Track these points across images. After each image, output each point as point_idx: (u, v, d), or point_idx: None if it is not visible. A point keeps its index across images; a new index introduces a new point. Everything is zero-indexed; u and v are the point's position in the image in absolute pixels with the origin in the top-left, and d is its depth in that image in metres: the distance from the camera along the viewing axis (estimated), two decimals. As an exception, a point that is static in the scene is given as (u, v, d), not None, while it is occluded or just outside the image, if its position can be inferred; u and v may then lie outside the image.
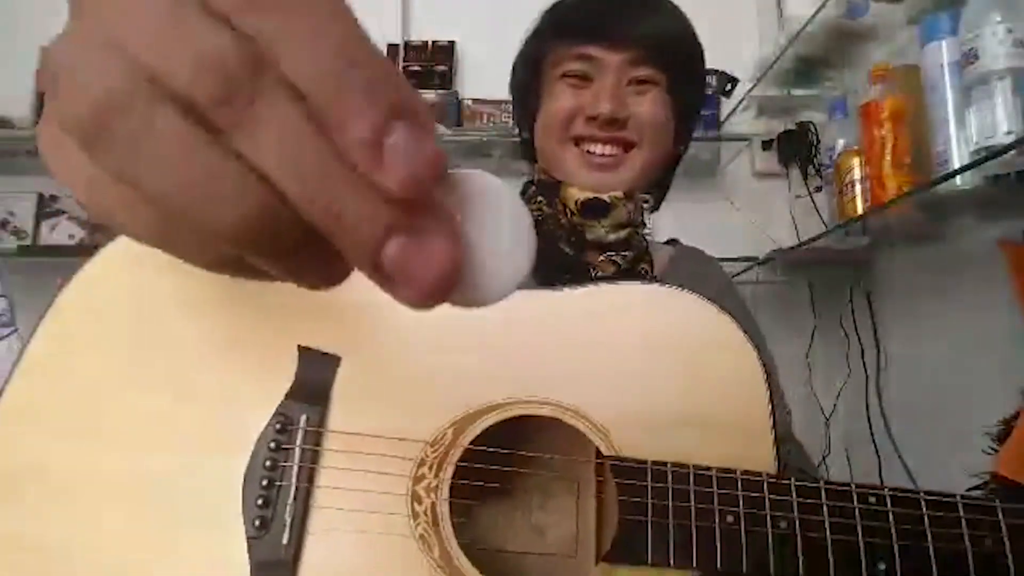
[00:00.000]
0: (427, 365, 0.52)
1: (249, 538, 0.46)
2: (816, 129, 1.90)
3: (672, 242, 0.92)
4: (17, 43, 2.10)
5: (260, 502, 0.47)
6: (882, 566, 0.45)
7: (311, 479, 0.49)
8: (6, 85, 2.03)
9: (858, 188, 1.43)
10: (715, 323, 0.53)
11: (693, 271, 0.86)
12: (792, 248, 1.78)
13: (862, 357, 1.73)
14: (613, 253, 0.77)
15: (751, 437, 0.49)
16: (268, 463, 0.48)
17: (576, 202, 0.76)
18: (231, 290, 0.51)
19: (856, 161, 1.43)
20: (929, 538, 0.46)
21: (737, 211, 2.01)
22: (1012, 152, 0.99)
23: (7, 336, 1.29)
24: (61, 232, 2.00)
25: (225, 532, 0.46)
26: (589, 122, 0.76)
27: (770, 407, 0.50)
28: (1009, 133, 0.99)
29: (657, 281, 0.75)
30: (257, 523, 0.47)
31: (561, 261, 0.77)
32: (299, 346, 0.50)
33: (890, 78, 1.32)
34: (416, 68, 2.07)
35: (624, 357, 0.52)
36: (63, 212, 2.02)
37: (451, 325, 0.52)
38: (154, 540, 0.46)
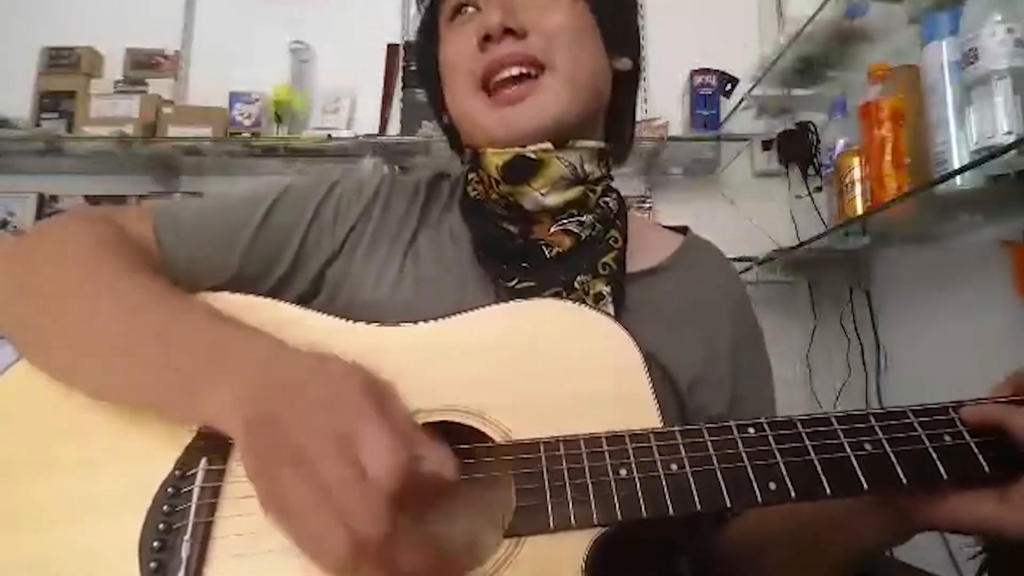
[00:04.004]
0: None
1: None
2: (816, 129, 1.90)
3: (683, 230, 0.79)
4: (17, 43, 2.10)
5: (157, 545, 0.47)
6: (773, 485, 0.47)
7: (211, 514, 0.49)
8: (6, 85, 2.03)
9: (858, 188, 1.43)
10: (590, 320, 0.56)
11: (707, 273, 0.75)
12: (792, 248, 1.78)
13: (862, 357, 1.73)
14: (565, 220, 0.65)
15: (637, 412, 0.52)
16: (166, 508, 0.49)
17: (496, 167, 0.64)
18: None
19: (856, 161, 1.43)
20: (812, 452, 0.48)
21: (737, 211, 2.00)
22: (1012, 152, 0.99)
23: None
24: (61, 232, 2.00)
25: None
26: (483, 49, 0.64)
27: (651, 384, 0.53)
28: (1009, 133, 0.99)
29: (618, 249, 0.67)
30: (153, 566, 0.47)
31: (510, 246, 0.66)
32: None
33: (890, 78, 1.32)
34: (415, 68, 2.06)
35: (513, 362, 0.55)
36: (63, 212, 2.02)
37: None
38: None
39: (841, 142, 1.50)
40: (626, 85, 0.73)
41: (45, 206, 2.03)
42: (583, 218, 0.66)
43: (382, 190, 0.71)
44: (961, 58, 1.06)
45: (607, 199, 0.69)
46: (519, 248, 0.66)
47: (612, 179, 0.72)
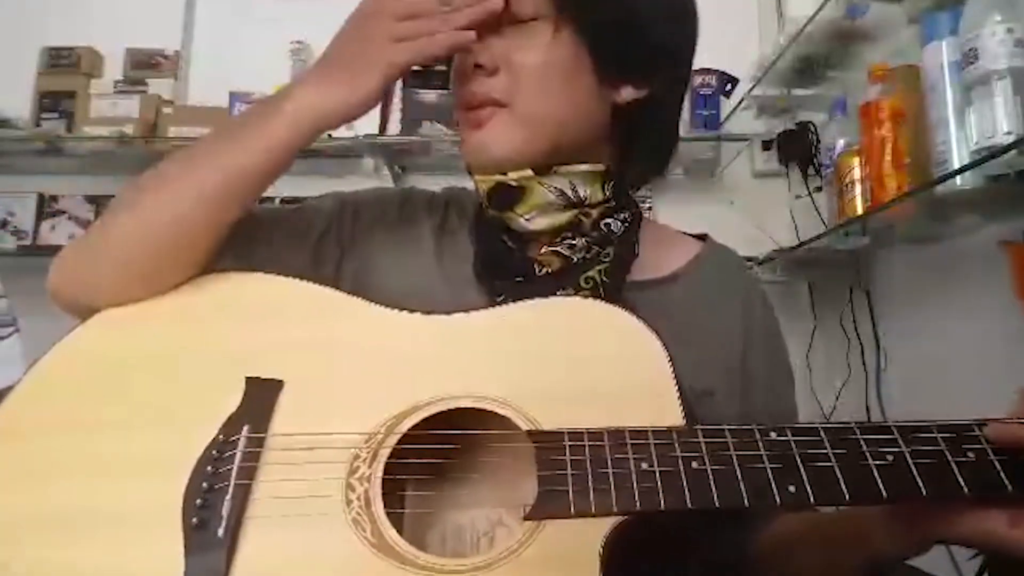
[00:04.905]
0: (363, 382, 0.57)
1: (185, 536, 0.49)
2: (816, 129, 1.90)
3: (702, 237, 0.78)
4: (17, 43, 2.10)
5: (199, 504, 0.50)
6: (792, 488, 0.47)
7: (251, 477, 0.52)
8: (6, 85, 2.03)
9: (858, 188, 1.43)
10: (614, 316, 0.58)
11: (722, 280, 0.73)
12: (792, 248, 1.78)
13: (862, 357, 1.73)
14: (558, 242, 0.66)
15: (659, 407, 0.53)
16: (209, 469, 0.52)
17: (483, 193, 0.66)
18: (190, 346, 0.59)
19: (856, 161, 1.43)
20: (833, 458, 0.49)
21: (737, 211, 2.00)
22: (1012, 152, 0.99)
23: (8, 336, 1.29)
24: (61, 232, 2.00)
25: (166, 540, 0.49)
26: (460, 82, 0.65)
27: (675, 379, 0.54)
28: (1009, 133, 0.99)
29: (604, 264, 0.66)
30: (195, 522, 0.49)
31: (506, 261, 0.67)
32: (246, 377, 0.56)
33: (890, 78, 1.32)
34: (416, 68, 2.06)
35: (539, 354, 0.57)
36: (63, 212, 2.02)
37: (383, 350, 0.59)
38: (99, 560, 0.49)
39: (841, 142, 1.50)
40: (642, 111, 0.66)
41: (45, 206, 2.03)
42: (575, 241, 0.66)
43: (402, 200, 0.75)
44: (961, 58, 1.06)
45: (609, 221, 0.67)
46: (516, 263, 0.67)
47: (621, 199, 0.68)
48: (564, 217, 0.65)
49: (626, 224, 0.68)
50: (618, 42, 0.64)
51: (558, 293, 0.64)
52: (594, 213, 0.67)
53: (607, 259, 0.66)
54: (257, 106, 0.66)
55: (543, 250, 0.66)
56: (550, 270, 0.66)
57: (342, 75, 0.60)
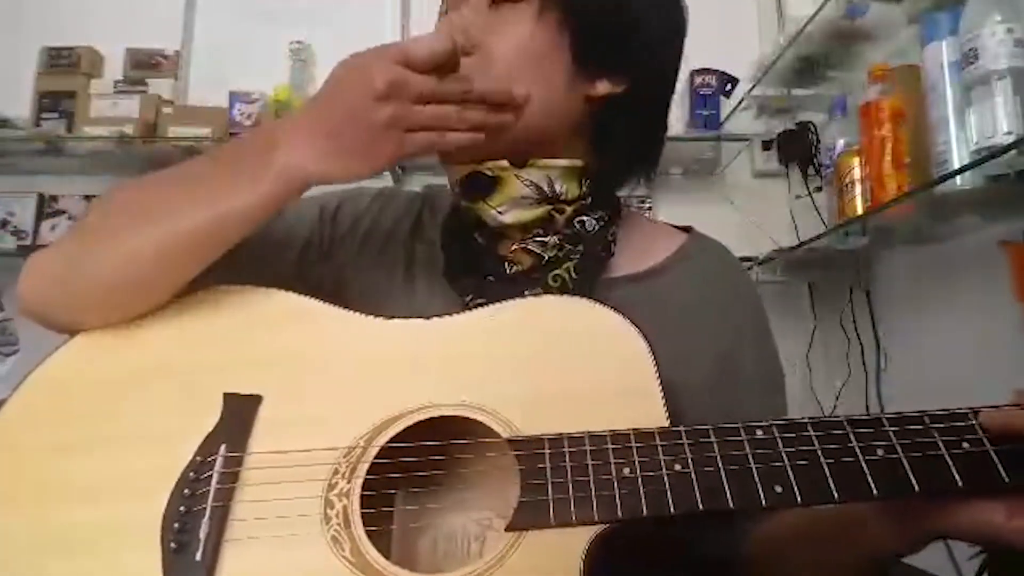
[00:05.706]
0: (341, 395, 0.56)
1: (164, 561, 0.48)
2: (816, 129, 1.90)
3: (687, 230, 0.75)
4: (17, 43, 2.10)
5: (177, 527, 0.50)
6: (779, 489, 0.46)
7: (229, 498, 0.51)
8: (6, 85, 2.03)
9: (858, 188, 1.43)
10: (598, 315, 0.57)
11: (709, 273, 0.71)
12: (792, 248, 1.78)
13: (862, 357, 1.73)
14: (529, 239, 0.64)
15: (644, 408, 0.52)
16: (187, 491, 0.51)
17: (457, 181, 0.64)
18: (172, 363, 0.58)
19: (856, 161, 1.43)
20: (821, 455, 0.47)
21: (737, 211, 2.00)
22: (1012, 152, 0.99)
23: (10, 355, 1.30)
24: (61, 232, 2.00)
25: (145, 564, 0.49)
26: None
27: (658, 377, 0.53)
28: (1009, 133, 1.00)
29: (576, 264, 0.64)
30: (173, 546, 0.49)
31: (477, 259, 0.65)
32: (224, 393, 0.55)
33: (890, 78, 1.32)
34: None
35: (520, 357, 0.56)
36: (63, 212, 2.02)
37: (362, 360, 0.58)
38: None
39: (841, 142, 1.50)
40: (618, 108, 0.64)
41: (45, 206, 2.02)
42: (546, 239, 0.64)
43: (381, 203, 0.74)
44: (961, 58, 1.07)
45: (584, 218, 0.65)
46: (486, 261, 0.65)
47: (600, 197, 0.66)
48: (536, 212, 0.63)
49: (602, 222, 0.66)
50: (604, 32, 0.61)
51: (526, 293, 0.62)
52: (568, 210, 0.64)
53: (576, 256, 0.64)
54: (245, 145, 0.62)
55: (513, 247, 0.65)
56: (520, 268, 0.64)
57: (344, 154, 0.55)
